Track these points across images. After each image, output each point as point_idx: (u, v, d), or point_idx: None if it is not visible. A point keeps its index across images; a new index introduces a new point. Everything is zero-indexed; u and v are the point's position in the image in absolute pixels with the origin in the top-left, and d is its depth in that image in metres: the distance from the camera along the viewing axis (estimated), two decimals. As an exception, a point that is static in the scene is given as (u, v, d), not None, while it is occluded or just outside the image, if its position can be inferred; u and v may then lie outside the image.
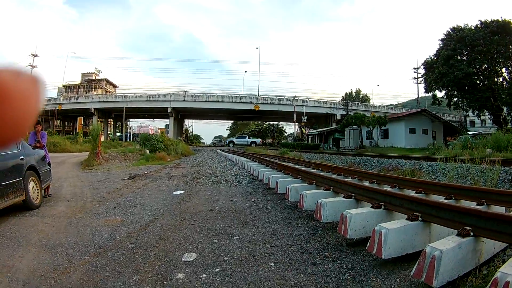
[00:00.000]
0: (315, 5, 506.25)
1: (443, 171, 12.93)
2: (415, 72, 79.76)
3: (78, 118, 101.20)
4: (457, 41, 49.15)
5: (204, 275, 4.64)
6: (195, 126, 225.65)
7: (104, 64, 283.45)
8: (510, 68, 49.31)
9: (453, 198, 6.35)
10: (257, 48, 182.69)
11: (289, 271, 4.71)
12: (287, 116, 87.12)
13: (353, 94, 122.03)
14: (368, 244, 4.59)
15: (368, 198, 6.26)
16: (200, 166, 23.63)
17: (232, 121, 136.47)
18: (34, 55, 78.83)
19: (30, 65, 77.21)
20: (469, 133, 46.63)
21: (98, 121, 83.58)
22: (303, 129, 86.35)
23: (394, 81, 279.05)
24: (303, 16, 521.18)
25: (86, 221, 7.86)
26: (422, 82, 63.32)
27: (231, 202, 10.08)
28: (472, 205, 5.43)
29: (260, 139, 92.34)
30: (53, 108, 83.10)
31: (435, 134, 56.16)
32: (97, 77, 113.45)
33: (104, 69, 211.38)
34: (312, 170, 12.50)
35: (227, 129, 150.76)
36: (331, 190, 7.89)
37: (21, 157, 8.97)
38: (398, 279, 4.12)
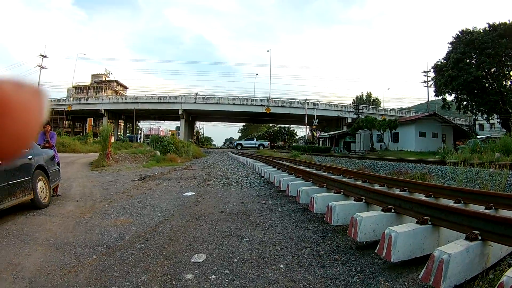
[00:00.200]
0: (325, 8, 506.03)
1: (453, 175, 12.89)
2: (425, 75, 79.80)
3: (88, 119, 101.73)
4: (466, 44, 48.97)
5: (213, 276, 4.66)
6: (206, 128, 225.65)
7: (114, 66, 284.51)
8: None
9: (462, 202, 6.33)
10: (268, 50, 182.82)
11: (299, 273, 4.71)
12: (298, 119, 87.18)
13: (364, 97, 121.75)
14: (377, 247, 4.60)
15: (378, 201, 6.26)
16: (211, 168, 23.61)
17: (243, 124, 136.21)
18: (43, 56, 79.30)
19: (39, 66, 77.43)
20: (478, 137, 46.19)
21: (108, 122, 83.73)
22: (314, 132, 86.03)
23: (404, 84, 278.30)
24: (313, 19, 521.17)
25: (95, 221, 7.92)
26: (432, 85, 63.19)
27: (242, 204, 10.06)
28: (481, 209, 5.45)
29: (268, 142, 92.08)
30: (63, 109, 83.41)
31: (445, 138, 55.83)
32: (107, 79, 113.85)
33: (114, 71, 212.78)
34: (323, 173, 12.57)
35: (238, 132, 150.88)
36: (342, 193, 7.89)
37: (30, 156, 9.06)
38: (406, 283, 4.14)
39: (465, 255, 3.67)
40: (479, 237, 3.89)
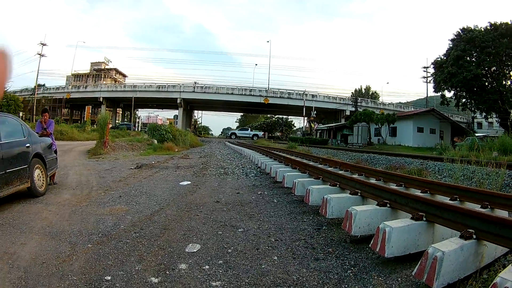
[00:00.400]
0: (326, 1, 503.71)
1: (449, 171, 12.93)
2: (424, 71, 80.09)
3: (86, 107, 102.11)
4: (466, 41, 49.16)
5: (207, 267, 4.67)
6: (204, 117, 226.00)
7: (113, 54, 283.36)
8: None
9: (458, 199, 6.32)
10: (268, 41, 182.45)
11: (292, 265, 4.72)
12: (296, 110, 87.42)
13: (363, 90, 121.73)
14: (371, 242, 4.58)
15: (374, 195, 6.24)
16: (207, 158, 23.66)
17: (242, 114, 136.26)
18: (43, 44, 78.92)
19: (39, 54, 77.33)
20: (476, 135, 46.41)
21: (106, 110, 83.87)
22: (312, 124, 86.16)
23: (404, 79, 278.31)
24: (314, 11, 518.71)
25: (91, 209, 7.91)
26: (432, 81, 63.31)
27: (238, 195, 10.09)
28: (476, 207, 5.43)
29: (263, 132, 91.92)
30: (61, 97, 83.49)
31: (443, 134, 56.16)
32: (106, 67, 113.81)
33: (114, 59, 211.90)
34: (320, 165, 12.54)
35: (236, 121, 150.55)
36: (338, 186, 7.88)
37: (27, 144, 9.09)
38: (399, 279, 4.13)
39: (459, 253, 3.65)
40: (474, 236, 3.87)
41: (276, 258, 5.01)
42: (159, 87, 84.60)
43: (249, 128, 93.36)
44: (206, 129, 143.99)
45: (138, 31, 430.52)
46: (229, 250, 5.32)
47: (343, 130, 67.60)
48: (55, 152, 11.55)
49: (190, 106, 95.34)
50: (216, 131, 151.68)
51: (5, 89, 42.40)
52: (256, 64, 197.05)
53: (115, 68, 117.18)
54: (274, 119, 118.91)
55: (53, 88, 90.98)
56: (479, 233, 3.88)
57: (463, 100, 53.74)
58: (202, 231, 6.33)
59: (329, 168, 11.49)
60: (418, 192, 7.03)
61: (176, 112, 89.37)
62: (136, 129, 74.25)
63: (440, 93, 57.09)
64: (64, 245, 5.42)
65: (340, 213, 6.23)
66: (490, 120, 58.97)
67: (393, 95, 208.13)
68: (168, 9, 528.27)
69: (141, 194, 9.75)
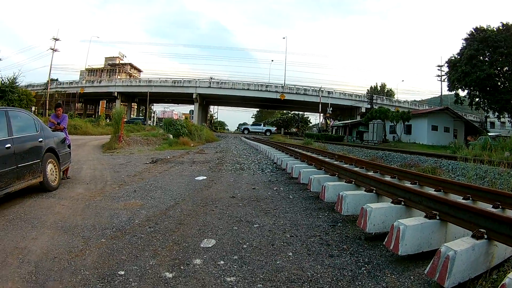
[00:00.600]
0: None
1: (463, 170, 12.92)
2: (439, 69, 78.98)
3: (100, 102, 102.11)
4: (480, 41, 48.64)
5: (221, 262, 4.72)
6: (220, 112, 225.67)
7: (128, 49, 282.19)
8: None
9: (471, 198, 6.32)
10: (284, 38, 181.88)
11: (307, 262, 4.77)
12: (312, 107, 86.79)
13: (378, 88, 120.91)
14: (385, 240, 4.64)
15: (389, 193, 6.28)
16: (223, 153, 23.71)
17: (258, 110, 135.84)
18: (56, 39, 78.92)
19: (52, 49, 77.44)
20: (489, 134, 45.98)
21: (121, 104, 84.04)
22: (327, 121, 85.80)
23: (418, 77, 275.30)
24: (329, 8, 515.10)
25: (105, 204, 7.97)
26: (446, 80, 62.82)
27: (253, 190, 10.15)
28: (488, 207, 5.42)
29: (275, 128, 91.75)
30: (75, 91, 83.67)
31: (457, 133, 55.58)
32: (121, 62, 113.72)
33: (128, 54, 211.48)
34: (335, 162, 12.56)
35: (252, 117, 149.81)
36: (353, 183, 7.92)
37: (40, 139, 9.13)
38: (412, 277, 4.17)
39: (470, 253, 3.68)
40: (485, 236, 3.90)
41: (291, 254, 5.06)
42: (174, 82, 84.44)
43: (262, 124, 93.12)
44: (222, 124, 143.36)
45: (153, 27, 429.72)
46: (244, 246, 5.37)
47: (358, 127, 67.08)
48: (69, 146, 11.57)
49: (206, 101, 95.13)
50: (232, 126, 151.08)
51: (17, 84, 42.49)
52: (272, 60, 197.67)
53: (130, 63, 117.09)
54: (290, 115, 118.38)
55: (67, 82, 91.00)
56: (490, 233, 3.91)
57: (476, 99, 53.19)
58: (218, 226, 6.39)
59: (345, 165, 11.46)
60: (432, 191, 7.05)
61: (191, 107, 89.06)
62: (152, 124, 74.27)
63: (454, 92, 56.62)
64: (77, 239, 5.47)
65: (355, 210, 6.27)
66: (502, 120, 58.37)
67: (408, 93, 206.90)
68: (183, 5, 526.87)
69: (156, 189, 9.81)
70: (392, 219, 5.14)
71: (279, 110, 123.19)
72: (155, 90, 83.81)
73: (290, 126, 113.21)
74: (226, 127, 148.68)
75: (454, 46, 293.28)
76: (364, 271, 4.43)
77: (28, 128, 8.94)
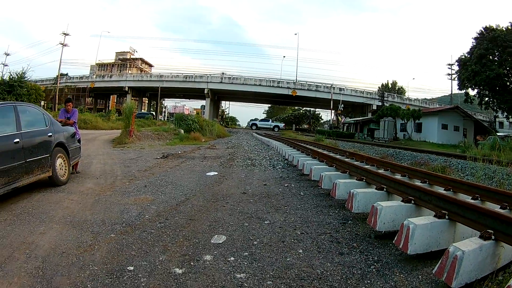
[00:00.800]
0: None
1: (472, 170, 12.86)
2: (449, 68, 78.83)
3: (111, 96, 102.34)
4: (489, 40, 48.10)
5: (232, 258, 4.73)
6: (231, 108, 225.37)
7: (139, 44, 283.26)
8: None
9: (479, 199, 6.34)
10: (295, 34, 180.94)
11: (317, 259, 4.79)
12: (323, 103, 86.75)
13: (389, 85, 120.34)
14: (395, 238, 4.67)
15: (399, 191, 6.29)
16: (235, 148, 23.75)
17: (269, 105, 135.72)
18: (66, 34, 78.92)
19: (61, 44, 77.48)
20: (498, 134, 45.69)
21: (132, 99, 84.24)
22: (339, 117, 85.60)
23: (429, 75, 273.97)
24: (340, 5, 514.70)
25: (115, 198, 8.01)
26: (456, 78, 62.49)
27: (264, 186, 10.17)
28: (496, 208, 5.43)
29: (284, 124, 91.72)
30: (85, 86, 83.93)
31: (466, 132, 55.54)
32: (132, 56, 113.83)
33: (139, 49, 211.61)
34: (346, 159, 12.56)
35: (263, 113, 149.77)
36: (364, 180, 7.94)
37: (49, 134, 9.18)
38: (420, 276, 4.19)
39: (478, 253, 3.71)
40: (493, 237, 3.92)
41: (301, 251, 5.09)
42: (186, 77, 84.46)
43: (270, 120, 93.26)
44: (233, 120, 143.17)
45: (164, 21, 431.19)
46: (255, 242, 5.40)
47: (369, 124, 66.84)
48: (79, 141, 11.61)
49: (217, 96, 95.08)
50: (243, 122, 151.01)
51: (26, 78, 42.59)
52: (284, 56, 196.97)
53: (141, 58, 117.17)
54: (301, 111, 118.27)
55: (77, 77, 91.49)
56: (498, 234, 3.93)
57: (486, 99, 52.80)
58: (228, 222, 6.43)
59: (356, 162, 11.49)
60: (441, 190, 7.09)
61: (203, 102, 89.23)
62: (163, 119, 74.39)
63: (464, 90, 56.31)
64: (86, 234, 5.49)
65: (366, 208, 6.32)
66: (511, 120, 58.03)
67: (419, 91, 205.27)
68: (195, 0, 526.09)
69: (166, 184, 9.87)
70: (402, 217, 5.16)
71: (291, 106, 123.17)
72: (166, 85, 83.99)
73: (301, 122, 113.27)
74: (237, 123, 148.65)
75: (464, 45, 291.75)
76: (373, 270, 4.44)
77: (37, 122, 9.02)
